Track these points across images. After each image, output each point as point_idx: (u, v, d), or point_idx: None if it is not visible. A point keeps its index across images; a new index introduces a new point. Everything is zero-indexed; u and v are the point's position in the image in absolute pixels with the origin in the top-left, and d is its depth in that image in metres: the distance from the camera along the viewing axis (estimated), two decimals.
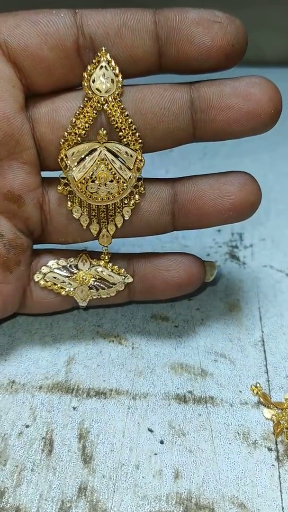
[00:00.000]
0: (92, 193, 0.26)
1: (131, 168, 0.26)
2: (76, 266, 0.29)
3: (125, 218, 0.27)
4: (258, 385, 0.27)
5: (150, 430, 0.25)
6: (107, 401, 0.26)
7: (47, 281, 0.28)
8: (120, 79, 0.25)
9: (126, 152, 0.26)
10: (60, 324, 0.31)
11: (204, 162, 0.46)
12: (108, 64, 0.25)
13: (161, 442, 0.25)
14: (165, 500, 0.22)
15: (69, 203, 0.27)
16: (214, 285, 0.34)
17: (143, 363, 0.29)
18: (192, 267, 0.29)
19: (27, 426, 0.25)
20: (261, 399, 0.27)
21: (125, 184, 0.26)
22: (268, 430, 0.25)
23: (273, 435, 0.25)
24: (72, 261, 0.29)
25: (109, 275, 0.29)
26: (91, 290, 0.29)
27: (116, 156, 0.26)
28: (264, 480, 0.23)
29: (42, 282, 0.28)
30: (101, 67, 0.25)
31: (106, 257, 0.29)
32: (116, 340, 0.30)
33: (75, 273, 0.29)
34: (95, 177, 0.26)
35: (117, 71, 0.25)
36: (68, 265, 0.29)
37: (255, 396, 0.27)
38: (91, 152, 0.26)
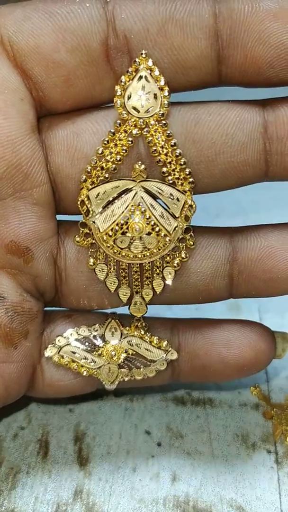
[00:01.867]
0: (122, 248, 0.20)
1: (177, 216, 0.20)
2: (102, 337, 0.22)
3: (167, 283, 0.21)
4: (257, 386, 0.27)
5: (148, 432, 0.25)
6: (104, 402, 0.26)
7: (63, 357, 0.22)
8: (166, 94, 0.19)
9: (171, 194, 0.20)
10: None
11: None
12: (149, 73, 0.19)
13: (159, 445, 0.24)
14: (162, 503, 0.22)
15: (92, 259, 0.21)
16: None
17: None
18: (259, 341, 0.22)
19: (22, 428, 0.25)
20: (261, 401, 0.26)
21: (167, 238, 0.20)
22: (268, 432, 0.25)
23: (273, 437, 0.25)
24: (97, 330, 0.22)
25: (147, 349, 0.22)
26: (122, 369, 0.22)
27: (156, 199, 0.20)
28: (263, 482, 0.23)
29: (56, 358, 0.22)
30: (140, 77, 0.19)
31: (140, 331, 0.22)
32: None
33: (101, 347, 0.22)
34: (127, 228, 0.20)
35: (162, 83, 0.19)
36: (92, 335, 0.22)
37: (254, 397, 0.27)
38: (123, 193, 0.20)
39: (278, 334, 0.24)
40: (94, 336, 0.22)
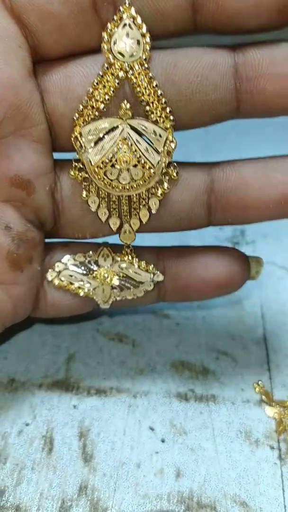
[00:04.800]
0: (112, 180, 0.22)
1: (159, 151, 0.22)
2: (96, 262, 0.25)
3: (152, 212, 0.23)
4: (260, 383, 0.27)
5: (151, 429, 0.25)
6: (108, 399, 0.26)
7: (62, 280, 0.25)
8: (148, 40, 0.21)
9: (154, 131, 0.22)
10: (60, 322, 0.31)
11: (206, 156, 0.46)
12: (132, 21, 0.20)
13: (162, 441, 0.24)
14: (167, 498, 0.22)
15: (85, 192, 0.23)
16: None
17: (144, 361, 0.28)
18: (234, 263, 0.25)
19: (27, 425, 0.25)
20: (264, 397, 0.26)
21: (152, 170, 0.22)
22: (271, 428, 0.25)
23: (276, 433, 0.25)
24: (91, 256, 0.25)
25: (136, 273, 0.25)
26: (115, 290, 0.25)
27: (141, 135, 0.22)
28: (266, 478, 0.23)
29: (56, 282, 0.25)
30: (124, 25, 0.20)
31: (129, 257, 0.25)
32: (117, 338, 0.30)
33: (95, 271, 0.25)
34: (116, 161, 0.22)
35: (144, 30, 0.20)
36: (87, 260, 0.25)
37: (257, 394, 0.27)
38: (111, 130, 0.22)
39: (253, 258, 0.26)
40: (89, 262, 0.25)
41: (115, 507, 0.22)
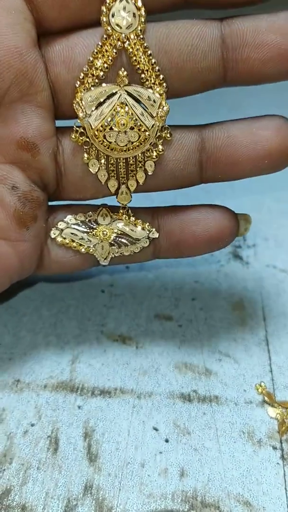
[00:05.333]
0: (110, 142, 0.24)
1: (154, 115, 0.23)
2: (96, 221, 0.26)
3: (148, 173, 0.25)
4: (262, 384, 0.27)
5: (155, 429, 0.25)
6: (112, 400, 0.27)
7: (64, 238, 0.26)
8: (143, 13, 0.22)
9: (148, 96, 0.23)
10: (64, 324, 0.31)
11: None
12: None
13: (166, 441, 0.25)
14: (171, 498, 0.23)
15: (85, 155, 0.24)
16: (218, 284, 0.34)
17: (148, 362, 0.29)
18: (224, 219, 0.26)
19: (32, 425, 0.25)
20: (266, 398, 0.27)
21: (147, 133, 0.24)
22: (273, 429, 0.25)
23: (278, 434, 0.25)
24: (91, 216, 0.26)
25: (132, 230, 0.26)
26: (113, 247, 0.26)
27: (138, 101, 0.23)
28: (269, 478, 0.23)
29: (59, 239, 0.26)
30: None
31: (125, 217, 0.26)
32: (120, 340, 0.30)
33: (95, 229, 0.26)
34: (114, 124, 0.23)
35: (139, 4, 0.22)
36: (87, 220, 0.26)
37: (259, 395, 0.27)
38: (110, 96, 0.23)
39: (241, 216, 0.27)
40: (89, 221, 0.26)
41: (120, 506, 0.22)
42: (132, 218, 0.26)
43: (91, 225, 0.26)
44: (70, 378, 0.28)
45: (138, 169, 0.25)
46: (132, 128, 0.23)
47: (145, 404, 0.26)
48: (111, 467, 0.24)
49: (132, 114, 0.23)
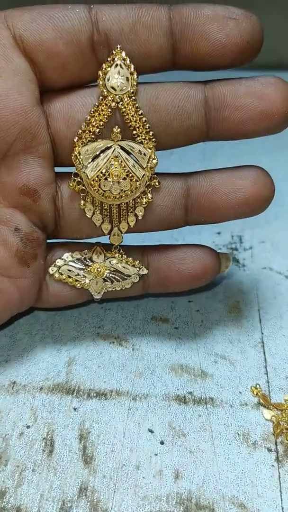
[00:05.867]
0: (105, 191, 0.26)
1: (144, 166, 0.26)
2: (91, 259, 0.29)
3: (139, 218, 0.27)
4: (258, 386, 0.27)
5: (151, 431, 0.25)
6: (108, 402, 0.27)
7: (62, 274, 0.28)
8: (135, 77, 0.25)
9: (139, 150, 0.26)
10: (61, 326, 0.31)
11: (204, 164, 0.46)
12: (123, 62, 0.25)
13: (162, 443, 0.25)
14: (166, 500, 0.23)
15: (82, 201, 0.27)
16: (214, 286, 0.34)
17: (144, 364, 0.29)
18: (207, 258, 0.29)
19: (28, 427, 0.25)
20: (261, 400, 0.27)
21: (138, 183, 0.26)
22: (268, 431, 0.25)
23: (273, 436, 0.25)
24: (86, 254, 0.29)
25: (124, 267, 0.29)
26: (106, 283, 0.29)
27: (129, 154, 0.26)
28: (264, 480, 0.23)
29: (57, 275, 0.28)
30: (116, 65, 0.25)
31: (117, 255, 0.29)
32: (117, 342, 0.30)
33: (90, 266, 0.29)
34: (108, 175, 0.26)
35: (132, 69, 0.25)
36: (83, 257, 0.29)
37: (255, 397, 0.27)
38: (105, 149, 0.26)
39: (222, 255, 0.30)
40: (85, 258, 0.29)
41: (115, 508, 0.22)
42: (124, 256, 0.29)
43: (87, 263, 0.29)
44: (66, 380, 0.28)
45: (129, 213, 0.27)
46: (124, 178, 0.26)
47: (141, 406, 0.26)
48: (106, 469, 0.24)
49: (124, 166, 0.26)
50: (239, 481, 0.23)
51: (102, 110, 0.25)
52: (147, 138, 0.26)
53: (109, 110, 0.25)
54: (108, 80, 0.25)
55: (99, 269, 0.28)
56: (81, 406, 0.26)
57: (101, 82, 0.25)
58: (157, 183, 0.27)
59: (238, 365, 0.29)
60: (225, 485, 0.23)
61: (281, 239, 0.38)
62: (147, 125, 0.25)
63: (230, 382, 0.28)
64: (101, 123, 0.25)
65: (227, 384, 0.28)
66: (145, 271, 0.29)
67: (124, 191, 0.26)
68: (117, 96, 0.25)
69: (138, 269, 0.29)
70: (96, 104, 0.25)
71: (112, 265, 0.29)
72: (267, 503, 0.23)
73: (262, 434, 0.25)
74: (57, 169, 0.27)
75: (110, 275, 0.29)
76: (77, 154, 0.26)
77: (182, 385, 0.28)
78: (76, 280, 0.29)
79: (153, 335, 0.30)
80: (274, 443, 0.25)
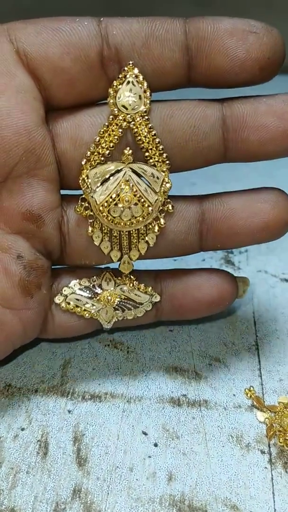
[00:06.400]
0: (114, 217, 0.24)
1: (157, 190, 0.24)
2: (100, 286, 0.27)
3: (150, 245, 0.25)
4: (251, 388, 0.28)
5: (144, 433, 0.25)
6: (102, 404, 0.27)
7: (69, 304, 0.26)
8: (148, 95, 0.23)
9: (152, 173, 0.24)
10: None
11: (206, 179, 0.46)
12: (135, 79, 0.23)
13: (155, 445, 0.25)
14: (159, 502, 0.23)
15: (90, 228, 0.25)
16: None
17: (138, 367, 0.29)
18: (224, 283, 0.27)
19: (22, 429, 0.25)
20: (255, 403, 0.27)
21: (150, 208, 0.24)
22: (261, 433, 0.26)
23: (266, 438, 0.25)
24: (95, 281, 0.27)
25: (136, 295, 0.27)
26: (117, 311, 0.27)
27: (141, 177, 0.24)
28: (256, 482, 0.24)
29: (64, 305, 0.26)
30: (128, 82, 0.23)
31: (128, 281, 0.27)
32: (112, 344, 0.30)
33: (99, 294, 0.27)
34: (119, 200, 0.24)
35: (145, 87, 0.23)
36: (91, 285, 0.27)
37: (248, 400, 0.27)
38: (115, 173, 0.24)
39: (239, 279, 0.28)
40: (93, 286, 0.27)
41: (108, 510, 0.22)
42: (135, 283, 0.27)
43: (95, 290, 0.27)
44: (61, 383, 0.28)
45: (140, 240, 0.25)
46: (136, 204, 0.24)
47: (135, 408, 0.27)
48: (100, 471, 0.24)
49: (136, 190, 0.24)
50: (232, 483, 0.23)
51: (113, 131, 0.24)
52: (160, 160, 0.24)
53: (120, 130, 0.23)
54: (119, 98, 0.23)
55: (109, 297, 0.26)
56: (76, 409, 0.26)
57: (111, 100, 0.23)
58: (170, 208, 0.25)
59: (232, 367, 0.29)
60: (218, 487, 0.23)
61: (276, 242, 0.38)
62: (161, 147, 0.24)
63: (224, 385, 0.28)
64: (111, 144, 0.24)
65: (221, 386, 0.28)
66: (158, 298, 0.27)
67: (135, 217, 0.24)
68: (129, 116, 0.23)
69: (150, 296, 0.27)
70: (106, 124, 0.24)
71: (123, 292, 0.27)
72: (260, 505, 0.23)
73: (256, 436, 0.25)
74: (63, 192, 0.26)
75: (121, 303, 0.27)
76: (85, 178, 0.24)
77: (176, 388, 0.28)
78: (85, 310, 0.27)
79: (148, 338, 0.31)
80: (267, 445, 0.25)
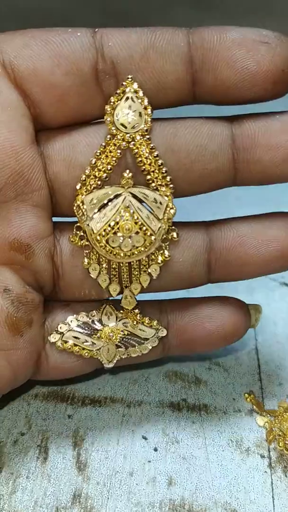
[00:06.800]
0: (113, 247, 0.22)
1: (160, 218, 0.22)
2: (100, 321, 0.24)
3: (153, 277, 0.23)
4: (251, 393, 0.28)
5: (144, 438, 0.25)
6: (102, 409, 0.27)
7: (65, 342, 0.24)
8: (149, 112, 0.21)
9: (154, 198, 0.22)
10: None
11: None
12: (135, 95, 0.21)
13: (155, 450, 0.25)
14: (159, 506, 0.23)
15: (86, 259, 0.23)
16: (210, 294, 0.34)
17: (138, 371, 0.29)
18: (237, 313, 0.25)
19: (22, 434, 0.25)
20: (254, 407, 0.27)
21: (153, 237, 0.22)
22: (261, 437, 0.26)
23: (266, 442, 0.25)
24: (94, 315, 0.24)
25: (140, 329, 0.24)
26: (119, 349, 0.24)
27: (142, 203, 0.22)
28: (256, 486, 0.24)
29: (60, 344, 0.24)
30: (127, 98, 0.21)
31: (133, 318, 0.24)
32: None
33: (99, 330, 0.24)
34: (118, 228, 0.22)
35: (145, 103, 0.21)
36: (90, 320, 0.24)
37: (248, 404, 0.27)
38: (114, 198, 0.22)
39: (251, 306, 0.26)
40: (93, 321, 0.24)
41: None
42: (139, 316, 0.24)
43: (95, 326, 0.24)
44: (61, 388, 0.28)
45: (142, 272, 0.23)
46: (137, 233, 0.22)
47: (135, 413, 0.27)
48: (100, 476, 0.24)
49: (137, 217, 0.22)
50: (232, 487, 0.23)
51: (110, 152, 0.21)
52: (163, 183, 0.22)
53: (119, 151, 0.21)
54: (117, 115, 0.21)
55: (111, 334, 0.24)
56: (76, 413, 0.26)
57: (108, 119, 0.21)
58: (175, 236, 0.23)
59: (232, 371, 0.29)
60: (218, 491, 0.23)
61: None
62: (164, 169, 0.22)
63: (224, 389, 0.28)
64: (109, 166, 0.22)
65: (221, 390, 0.28)
66: (165, 332, 0.24)
67: (137, 247, 0.22)
68: (128, 135, 0.21)
69: (156, 330, 0.24)
70: (103, 144, 0.22)
71: (126, 327, 0.24)
72: (260, 509, 0.23)
73: (255, 441, 0.25)
74: (56, 219, 0.23)
75: (124, 339, 0.24)
76: (80, 204, 0.22)
77: (176, 392, 0.28)
78: (84, 349, 0.24)
79: None
80: (267, 449, 0.25)
